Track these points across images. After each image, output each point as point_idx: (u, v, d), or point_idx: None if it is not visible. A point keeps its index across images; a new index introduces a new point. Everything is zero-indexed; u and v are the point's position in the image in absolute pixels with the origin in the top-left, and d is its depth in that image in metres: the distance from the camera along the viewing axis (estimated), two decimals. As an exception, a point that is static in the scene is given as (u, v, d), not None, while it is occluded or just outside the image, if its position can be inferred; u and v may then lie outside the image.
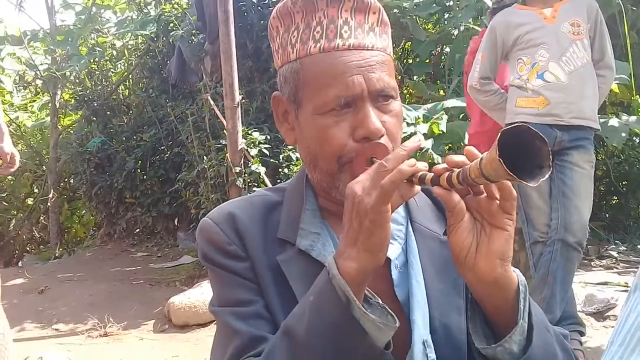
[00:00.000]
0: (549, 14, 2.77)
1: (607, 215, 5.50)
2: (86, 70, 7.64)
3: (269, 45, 1.04)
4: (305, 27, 0.97)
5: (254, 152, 4.03)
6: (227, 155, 3.93)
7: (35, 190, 8.48)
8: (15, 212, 5.53)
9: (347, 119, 0.95)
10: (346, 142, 0.94)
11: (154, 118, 5.52)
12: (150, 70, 5.97)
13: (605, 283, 3.68)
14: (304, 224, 1.01)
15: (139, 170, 5.56)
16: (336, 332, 0.84)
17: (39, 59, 8.66)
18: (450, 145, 4.23)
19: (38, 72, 8.29)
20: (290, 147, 4.20)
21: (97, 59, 7.67)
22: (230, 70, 3.79)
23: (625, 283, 3.64)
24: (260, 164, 3.97)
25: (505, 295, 0.87)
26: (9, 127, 3.09)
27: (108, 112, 7.44)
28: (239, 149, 3.87)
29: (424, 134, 4.05)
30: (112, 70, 7.94)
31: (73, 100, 7.91)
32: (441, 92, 5.12)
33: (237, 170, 3.86)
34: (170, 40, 5.21)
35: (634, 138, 5.32)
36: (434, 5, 5.08)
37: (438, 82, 5.36)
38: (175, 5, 5.69)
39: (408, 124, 4.08)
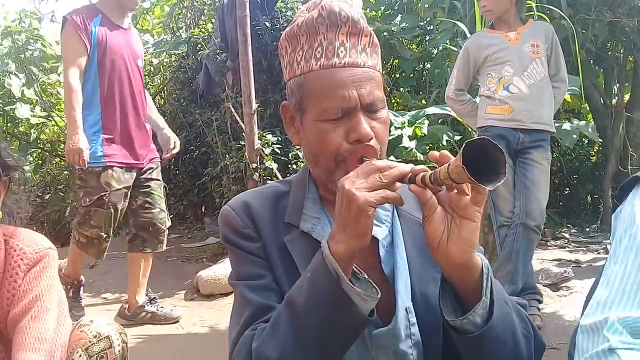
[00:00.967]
0: (513, 36, 2.76)
1: (560, 203, 5.50)
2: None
3: (280, 62, 1.04)
4: (308, 47, 0.97)
5: (267, 151, 4.03)
6: (246, 153, 3.92)
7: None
8: (70, 201, 5.53)
9: (343, 125, 0.95)
10: (342, 144, 0.95)
11: (185, 123, 5.50)
12: (181, 84, 5.94)
13: (559, 260, 3.68)
14: (307, 210, 1.01)
15: (172, 167, 5.55)
16: (329, 302, 0.84)
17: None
18: (430, 145, 4.25)
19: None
20: (297, 147, 4.20)
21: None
22: (248, 83, 3.78)
23: (576, 260, 3.65)
24: (273, 161, 3.96)
25: (471, 275, 0.86)
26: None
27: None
28: (255, 148, 3.86)
29: (409, 136, 4.06)
30: (150, 83, 7.92)
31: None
32: (423, 101, 5.11)
33: (254, 166, 3.85)
34: (199, 58, 5.18)
35: (583, 139, 5.33)
36: (417, 29, 5.10)
37: (420, 93, 5.35)
38: (203, 29, 5.66)
39: (395, 128, 4.08)
